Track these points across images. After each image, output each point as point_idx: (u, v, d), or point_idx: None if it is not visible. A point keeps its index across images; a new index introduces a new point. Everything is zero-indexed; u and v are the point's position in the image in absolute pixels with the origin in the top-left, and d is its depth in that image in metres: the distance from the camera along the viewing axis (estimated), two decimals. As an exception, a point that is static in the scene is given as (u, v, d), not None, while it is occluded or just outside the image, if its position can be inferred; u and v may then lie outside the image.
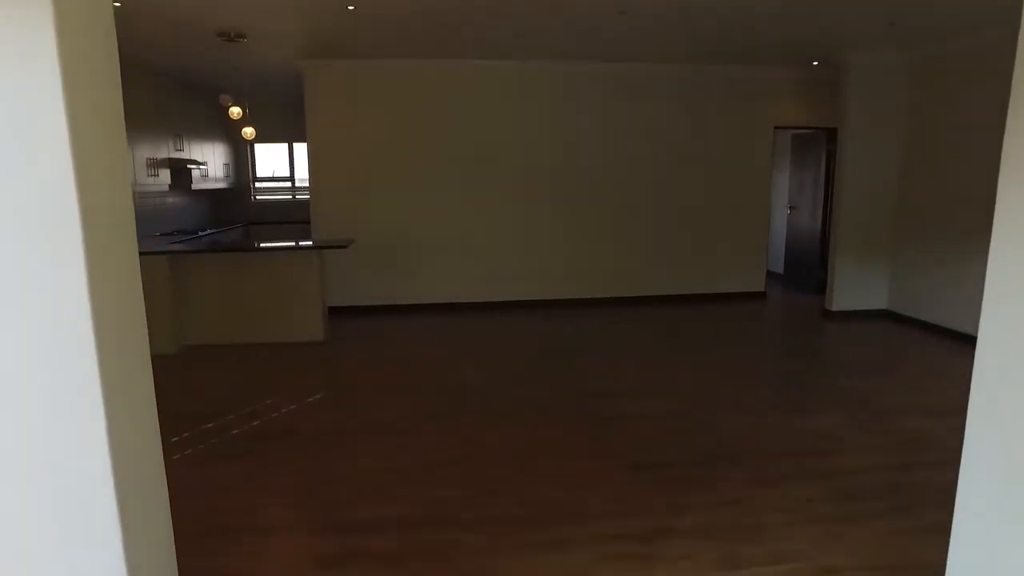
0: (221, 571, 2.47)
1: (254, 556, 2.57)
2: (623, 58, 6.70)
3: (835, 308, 6.69)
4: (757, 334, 6.34)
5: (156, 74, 6.60)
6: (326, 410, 4.15)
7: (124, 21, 4.91)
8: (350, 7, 4.59)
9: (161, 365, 5.13)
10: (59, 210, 1.40)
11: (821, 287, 7.93)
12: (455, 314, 6.95)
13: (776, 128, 7.47)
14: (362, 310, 6.97)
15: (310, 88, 6.64)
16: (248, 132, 5.83)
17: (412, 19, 5.02)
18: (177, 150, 7.08)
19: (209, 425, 3.88)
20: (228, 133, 8.51)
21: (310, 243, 5.80)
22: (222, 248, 5.64)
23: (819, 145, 7.83)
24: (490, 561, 2.49)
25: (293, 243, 5.84)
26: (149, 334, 5.46)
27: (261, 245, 5.93)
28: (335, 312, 6.77)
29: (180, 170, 7.14)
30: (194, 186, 7.52)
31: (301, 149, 8.79)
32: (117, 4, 4.45)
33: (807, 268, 8.22)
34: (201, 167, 7.64)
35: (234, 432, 3.77)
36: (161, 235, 6.95)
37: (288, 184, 9.46)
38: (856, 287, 6.65)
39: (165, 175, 6.70)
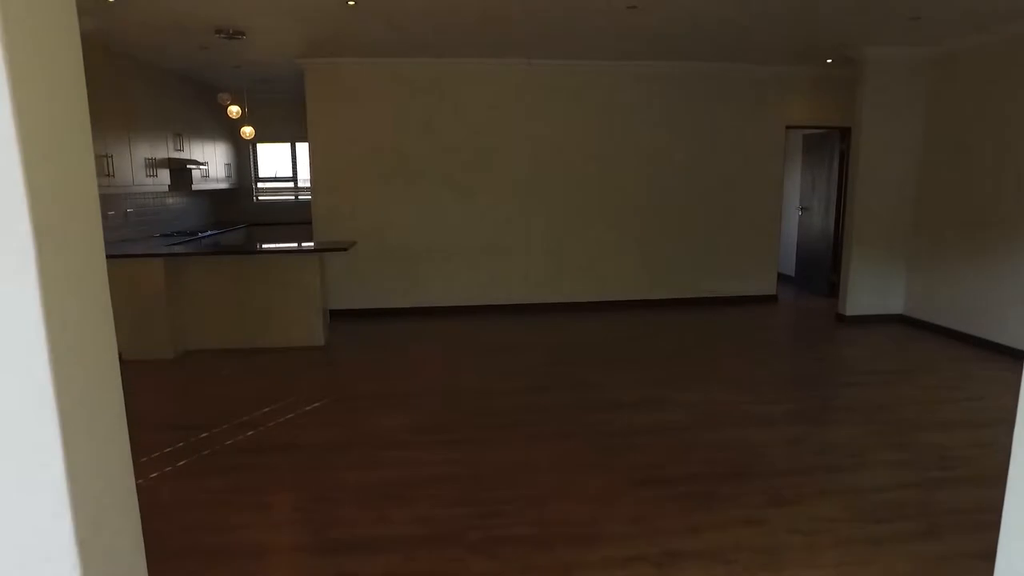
0: (208, 597, 2.33)
1: (244, 580, 2.44)
2: (631, 57, 6.55)
3: (848, 312, 6.52)
4: (769, 340, 6.17)
5: (154, 72, 6.47)
6: (324, 420, 4.01)
7: (119, 17, 4.80)
8: (350, 2, 4.45)
9: (158, 370, 5.07)
10: (4, 208, 1.24)
11: (833, 290, 7.78)
12: (458, 317, 6.81)
13: (788, 128, 7.30)
14: (364, 313, 6.84)
15: (311, 87, 6.51)
16: (247, 131, 5.70)
17: (414, 16, 4.88)
18: (177, 150, 6.96)
19: (202, 435, 3.74)
20: (230, 133, 8.39)
21: (310, 246, 5.65)
22: (219, 251, 5.52)
23: (831, 145, 7.66)
24: (494, 587, 2.35)
25: (293, 246, 5.71)
26: (146, 339, 5.36)
27: (261, 247, 5.80)
28: (336, 315, 6.65)
29: (180, 170, 7.02)
30: (194, 186, 7.40)
31: (304, 149, 8.67)
32: None
33: (819, 271, 8.05)
34: (202, 167, 7.53)
35: (228, 443, 3.64)
36: (160, 236, 6.84)
37: (291, 184, 9.33)
38: (870, 291, 6.48)
39: (164, 175, 6.58)
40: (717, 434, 3.73)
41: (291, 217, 8.93)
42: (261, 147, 9.15)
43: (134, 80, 6.00)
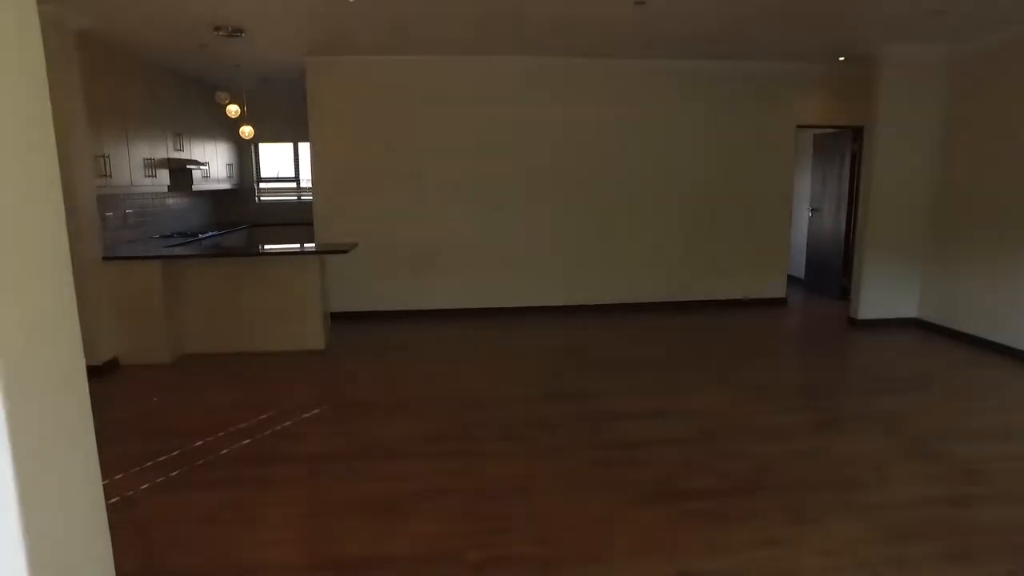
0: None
1: (233, 603, 2.31)
2: (638, 54, 6.40)
3: (861, 317, 6.35)
4: (781, 345, 6.01)
5: (153, 71, 6.36)
6: (322, 428, 3.88)
7: (115, 14, 4.69)
8: (351, -2, 4.33)
9: (154, 375, 4.94)
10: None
11: (844, 293, 7.61)
12: (462, 320, 6.68)
13: (798, 127, 7.14)
14: (365, 315, 6.72)
15: (312, 85, 6.39)
16: (246, 131, 5.59)
17: (416, 12, 4.75)
18: (177, 150, 6.85)
19: (197, 444, 3.62)
20: (231, 133, 8.28)
21: (310, 248, 5.53)
22: (218, 252, 5.40)
23: (843, 145, 7.50)
24: (497, 613, 2.21)
25: (293, 247, 5.58)
26: (143, 342, 5.23)
27: (263, 249, 5.68)
28: (338, 317, 6.52)
29: (180, 171, 6.91)
30: (195, 187, 7.29)
31: (306, 149, 8.55)
32: (104, -5, 4.22)
33: (829, 273, 7.88)
34: (202, 167, 7.41)
35: (222, 452, 3.51)
36: (160, 237, 6.73)
37: (293, 185, 9.22)
38: (884, 294, 6.31)
39: (164, 176, 6.47)
40: (729, 445, 3.58)
41: (293, 218, 8.82)
42: (263, 147, 9.04)
43: (132, 79, 5.89)
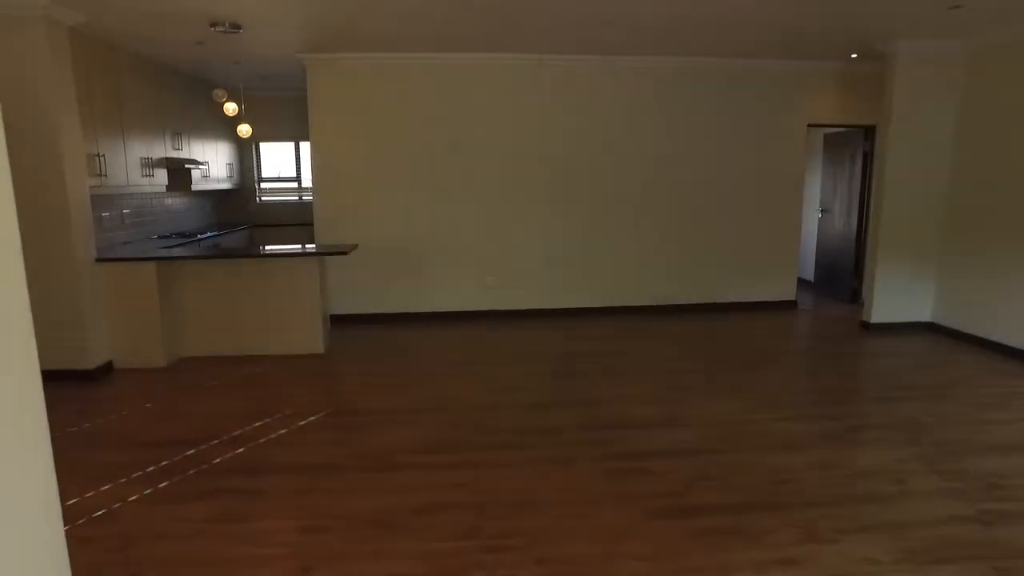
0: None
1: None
2: (645, 52, 6.26)
3: (873, 320, 6.19)
4: (791, 350, 5.86)
5: (150, 68, 6.25)
6: (319, 437, 3.75)
7: (108, 8, 4.57)
8: (350, -8, 4.20)
9: (148, 379, 4.81)
10: None
11: (855, 296, 7.46)
12: (465, 323, 6.55)
13: (809, 126, 6.98)
14: (367, 318, 6.59)
15: (313, 83, 6.27)
16: (243, 130, 5.46)
17: (418, 7, 4.61)
18: (175, 149, 6.74)
19: (189, 452, 3.50)
20: (231, 132, 8.16)
21: (309, 249, 5.40)
22: (215, 254, 5.27)
23: (855, 144, 7.33)
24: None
25: (291, 249, 5.45)
26: (138, 345, 5.10)
27: (263, 250, 5.55)
28: (339, 320, 6.41)
29: (178, 170, 6.80)
30: (194, 187, 7.18)
31: (308, 148, 8.43)
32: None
33: (840, 275, 7.72)
34: (201, 167, 7.30)
35: (215, 461, 3.39)
36: (158, 238, 6.62)
37: (294, 185, 9.10)
38: (897, 297, 6.15)
39: (161, 175, 6.35)
40: (740, 456, 3.43)
41: (295, 218, 8.71)
42: (264, 146, 8.93)
43: (128, 76, 5.77)
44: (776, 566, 2.45)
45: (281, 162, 9.09)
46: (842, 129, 7.44)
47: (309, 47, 5.94)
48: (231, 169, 8.46)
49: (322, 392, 4.61)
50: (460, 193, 6.56)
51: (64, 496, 2.96)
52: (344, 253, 5.24)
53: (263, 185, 9.04)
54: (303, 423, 3.94)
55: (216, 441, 3.65)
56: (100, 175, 5.18)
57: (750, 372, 4.94)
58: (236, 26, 4.99)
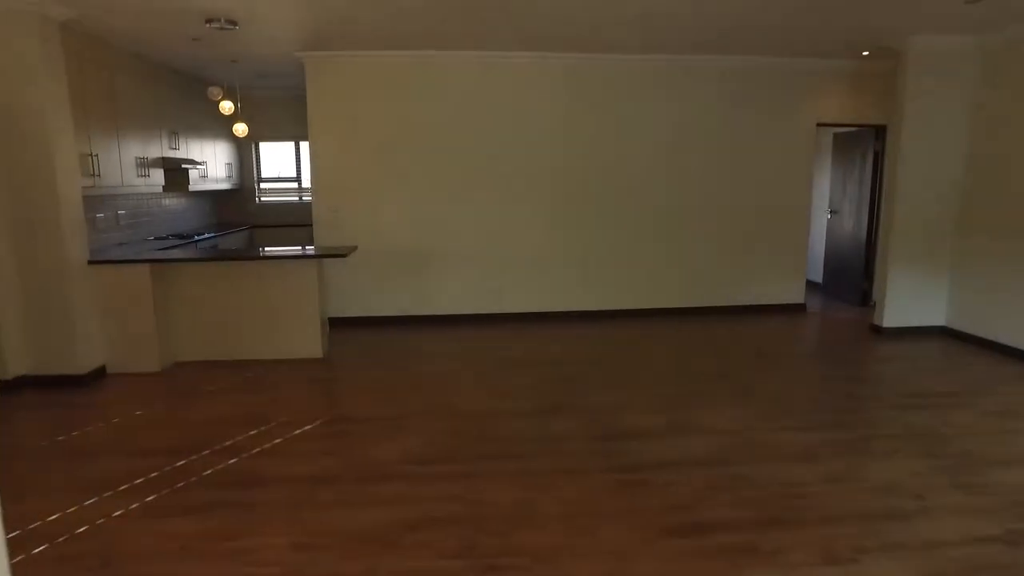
0: None
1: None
2: (652, 50, 6.12)
3: (885, 324, 6.04)
4: (801, 354, 5.70)
5: (145, 66, 6.14)
6: (314, 446, 3.62)
7: (100, 4, 4.46)
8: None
9: (142, 385, 4.67)
10: None
11: (865, 299, 7.31)
12: (466, 327, 6.42)
13: (818, 125, 6.83)
14: (367, 321, 6.47)
15: (311, 81, 6.15)
16: (240, 129, 5.35)
17: (418, 4, 4.49)
18: (172, 149, 6.62)
19: (179, 463, 3.37)
20: (230, 131, 8.04)
21: (307, 251, 5.28)
22: (211, 256, 5.15)
23: (865, 144, 7.17)
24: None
25: (288, 251, 5.33)
26: (131, 350, 4.97)
27: (254, 253, 5.45)
28: (339, 323, 6.29)
29: (175, 170, 6.69)
30: (192, 187, 7.07)
31: (308, 148, 8.32)
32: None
33: (849, 278, 7.56)
34: (199, 167, 7.19)
35: (205, 473, 3.26)
36: (155, 239, 6.51)
37: (295, 185, 8.99)
38: (910, 300, 5.99)
39: (158, 175, 6.24)
40: (752, 468, 3.29)
41: (295, 219, 8.59)
42: (264, 146, 8.82)
43: (123, 75, 5.66)
44: (792, 589, 2.31)
45: (281, 162, 8.97)
46: (852, 129, 7.29)
47: (308, 45, 5.82)
48: (230, 169, 8.35)
49: (319, 398, 4.48)
50: (463, 193, 6.43)
51: (46, 511, 2.87)
52: (343, 256, 5.11)
53: (263, 185, 8.93)
54: (298, 432, 3.81)
55: (208, 451, 3.53)
56: (93, 175, 5.07)
57: (759, 378, 4.80)
58: (232, 22, 4.87)
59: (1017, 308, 5.22)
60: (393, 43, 5.78)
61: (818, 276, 8.26)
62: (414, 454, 3.49)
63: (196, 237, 6.76)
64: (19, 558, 2.51)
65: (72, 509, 2.88)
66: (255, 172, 8.82)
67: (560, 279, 6.69)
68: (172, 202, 7.32)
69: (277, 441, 3.67)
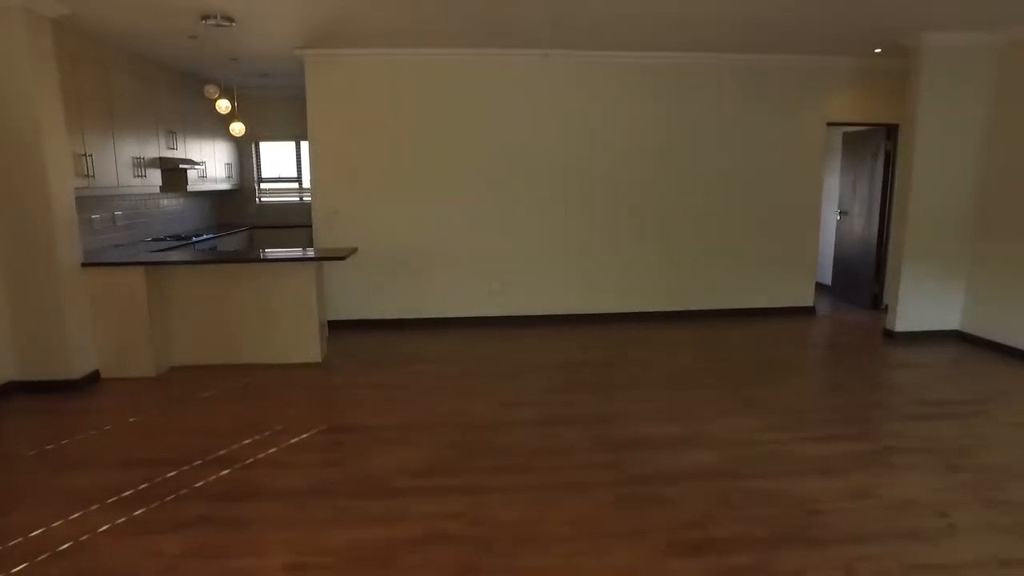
0: None
1: None
2: (657, 47, 5.98)
3: (898, 328, 5.89)
4: (812, 360, 5.56)
5: (142, 64, 6.02)
6: (310, 457, 3.50)
7: (94, 1, 4.35)
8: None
9: (136, 390, 4.53)
10: None
11: (875, 302, 7.17)
12: (469, 330, 6.29)
13: (828, 125, 6.68)
14: (367, 324, 6.35)
15: (311, 80, 6.03)
16: (236, 128, 5.23)
17: (422, 1, 4.38)
18: (170, 148, 6.51)
19: (170, 474, 3.26)
20: (230, 131, 7.94)
21: (304, 253, 5.16)
22: (203, 259, 5.03)
23: (876, 143, 7.02)
24: None
25: (286, 254, 5.20)
26: (126, 354, 4.85)
27: (259, 254, 5.33)
28: (338, 326, 6.17)
29: (173, 170, 6.57)
30: (190, 187, 6.95)
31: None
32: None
33: (859, 280, 7.41)
34: (198, 167, 7.07)
35: (197, 485, 3.14)
36: (152, 240, 6.41)
37: (295, 185, 8.87)
38: (924, 304, 5.84)
39: (155, 176, 6.13)
40: (765, 482, 3.16)
41: (295, 219, 8.48)
42: (264, 146, 8.70)
43: (118, 74, 5.54)
44: (813, 617, 2.18)
45: (282, 162, 8.86)
46: (863, 128, 7.14)
47: (307, 42, 5.70)
48: (230, 169, 8.24)
49: (316, 406, 4.35)
50: (465, 194, 6.30)
51: (29, 526, 2.75)
52: (341, 258, 4.99)
53: (263, 185, 8.81)
54: (294, 441, 3.69)
55: (200, 461, 3.41)
56: (87, 175, 4.95)
57: (770, 384, 4.66)
58: (228, 19, 4.75)
59: (1036, 313, 5.07)
60: (394, 41, 5.66)
61: (827, 278, 8.11)
62: (414, 466, 3.37)
63: (194, 238, 6.65)
64: (-2, 578, 2.40)
65: (56, 524, 2.76)
66: (255, 172, 8.71)
67: (563, 282, 6.55)
68: (170, 203, 7.21)
69: (272, 451, 3.55)
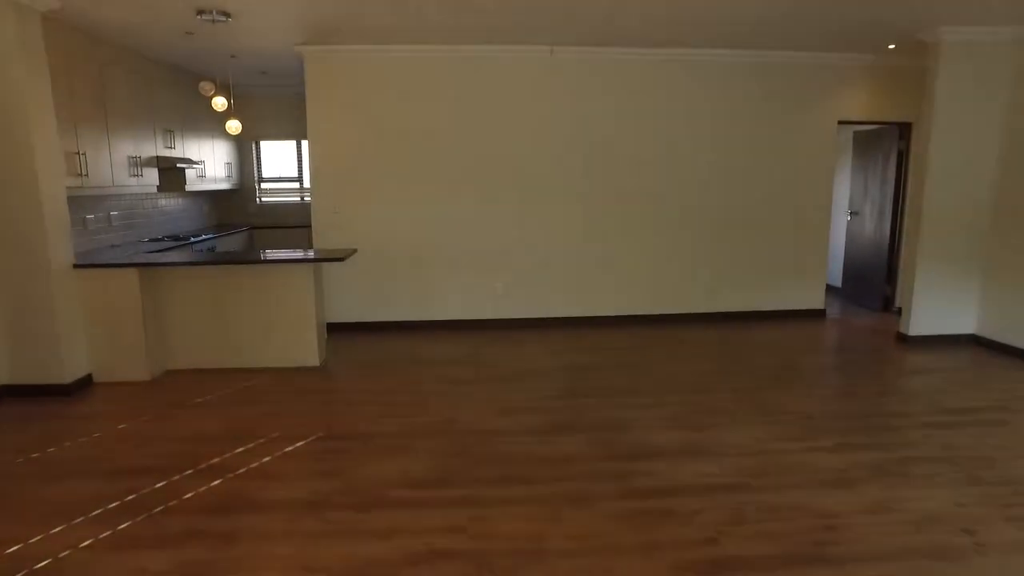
0: None
1: None
2: (664, 44, 5.84)
3: (912, 332, 5.73)
4: (825, 365, 5.40)
5: (138, 61, 5.91)
6: (306, 466, 3.37)
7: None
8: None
9: (129, 395, 4.37)
10: None
11: (887, 305, 7.01)
12: (472, 333, 6.16)
13: (840, 123, 6.52)
14: (367, 326, 6.22)
15: (311, 77, 5.91)
16: (233, 126, 5.09)
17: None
18: (167, 147, 6.40)
19: (159, 484, 3.13)
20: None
21: (301, 255, 5.03)
22: (198, 261, 4.91)
23: (888, 142, 6.87)
24: None
25: (283, 255, 5.07)
26: (119, 358, 4.72)
27: (258, 256, 5.21)
28: (337, 329, 6.05)
29: (171, 170, 6.46)
30: (188, 187, 6.84)
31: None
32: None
33: (870, 283, 7.25)
34: (196, 166, 6.96)
35: (186, 496, 3.02)
36: (149, 241, 6.29)
37: (296, 185, 8.76)
38: (939, 308, 5.68)
39: (151, 175, 6.01)
40: (777, 495, 3.02)
41: (296, 220, 8.37)
42: (265, 145, 8.59)
43: (113, 70, 5.43)
44: (835, 645, 2.04)
45: (283, 161, 8.75)
46: (874, 126, 6.98)
47: (307, 38, 5.58)
48: (230, 169, 8.13)
49: (313, 412, 4.22)
50: (468, 193, 6.17)
51: (7, 541, 2.60)
52: (340, 260, 4.86)
53: (264, 185, 8.70)
54: (289, 449, 3.56)
55: (191, 470, 3.29)
56: (80, 174, 4.84)
57: (781, 390, 4.51)
58: (224, 14, 4.63)
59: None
60: (396, 37, 5.53)
61: (837, 280, 7.95)
62: (414, 476, 3.24)
63: (192, 239, 6.54)
64: (-28, 598, 2.28)
65: (36, 539, 2.64)
66: (256, 172, 8.60)
67: (569, 284, 6.42)
68: (169, 202, 7.10)
69: (266, 460, 3.43)
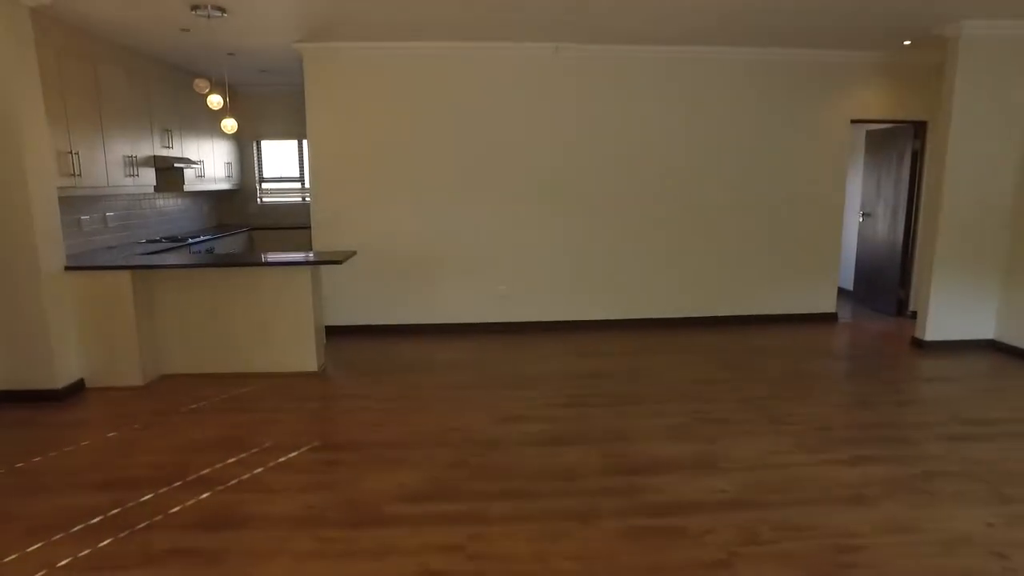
0: None
1: None
2: (670, 41, 5.68)
3: (928, 337, 5.56)
4: (837, 371, 5.22)
5: (134, 59, 5.79)
6: (300, 478, 3.23)
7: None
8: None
9: (121, 401, 4.21)
10: None
11: (900, 308, 6.83)
12: (473, 337, 6.02)
13: (853, 122, 6.35)
14: (366, 330, 6.09)
15: (310, 75, 5.78)
16: (228, 125, 4.97)
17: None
18: (165, 147, 6.28)
19: (145, 497, 3.00)
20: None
21: (300, 257, 4.90)
22: (193, 263, 4.78)
23: (902, 141, 6.69)
24: None
25: (280, 258, 4.94)
26: (113, 362, 4.58)
27: (256, 258, 5.09)
28: (335, 332, 5.91)
29: (168, 169, 6.35)
30: (187, 187, 6.73)
31: (310, 147, 7.96)
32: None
33: (884, 286, 7.07)
34: (195, 166, 6.84)
35: (172, 511, 2.88)
36: (146, 242, 6.18)
37: (298, 185, 8.64)
38: (956, 312, 5.51)
39: (148, 175, 5.90)
40: (792, 512, 2.86)
41: (297, 220, 8.24)
42: (266, 145, 8.48)
43: (108, 68, 5.31)
44: None
45: (284, 161, 8.63)
46: (887, 125, 6.80)
47: (305, 35, 5.45)
48: (230, 168, 8.01)
49: (309, 420, 4.08)
50: (470, 194, 6.03)
51: (-23, 563, 2.50)
52: (338, 262, 4.73)
53: (265, 185, 8.59)
54: (283, 459, 3.43)
55: (179, 483, 3.16)
56: (73, 174, 4.73)
57: (793, 398, 4.35)
58: (220, 9, 4.51)
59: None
60: (397, 34, 5.40)
61: (848, 283, 7.77)
62: (410, 489, 3.10)
63: (190, 240, 6.42)
64: (-61, 623, 2.15)
65: (11, 557, 2.51)
66: (256, 172, 8.48)
67: (573, 287, 6.27)
68: (167, 203, 6.99)
69: (258, 471, 3.29)
